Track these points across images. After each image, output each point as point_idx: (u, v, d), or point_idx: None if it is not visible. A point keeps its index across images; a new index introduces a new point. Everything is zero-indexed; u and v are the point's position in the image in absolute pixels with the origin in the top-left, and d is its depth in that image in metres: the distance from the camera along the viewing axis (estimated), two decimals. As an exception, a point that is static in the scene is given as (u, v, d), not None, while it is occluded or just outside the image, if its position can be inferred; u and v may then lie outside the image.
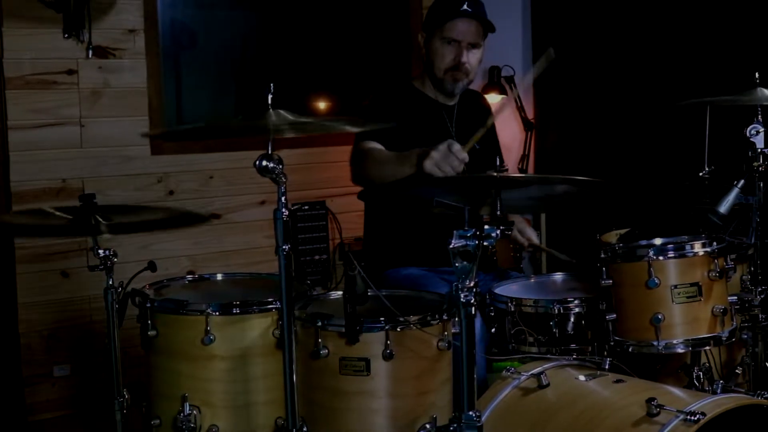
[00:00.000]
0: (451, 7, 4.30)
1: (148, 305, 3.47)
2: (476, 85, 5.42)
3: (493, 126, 4.60)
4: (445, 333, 3.19)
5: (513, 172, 5.89)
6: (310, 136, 5.62)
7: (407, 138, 4.22)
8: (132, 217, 3.68)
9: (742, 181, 3.63)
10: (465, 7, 4.27)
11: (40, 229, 3.82)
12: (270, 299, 3.41)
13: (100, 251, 3.44)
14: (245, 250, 5.80)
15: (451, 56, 4.32)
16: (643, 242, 3.49)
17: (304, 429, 3.14)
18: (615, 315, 3.53)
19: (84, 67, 5.34)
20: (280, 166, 2.90)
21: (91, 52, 5.30)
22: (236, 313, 3.39)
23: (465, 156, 3.81)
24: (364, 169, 4.20)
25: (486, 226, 2.80)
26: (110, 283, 3.47)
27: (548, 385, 3.35)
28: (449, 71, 4.35)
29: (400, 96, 4.46)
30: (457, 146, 3.81)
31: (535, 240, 4.50)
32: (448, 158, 3.79)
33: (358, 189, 4.27)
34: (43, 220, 3.64)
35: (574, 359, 3.59)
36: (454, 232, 2.80)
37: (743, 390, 3.70)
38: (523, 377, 3.44)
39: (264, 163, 2.88)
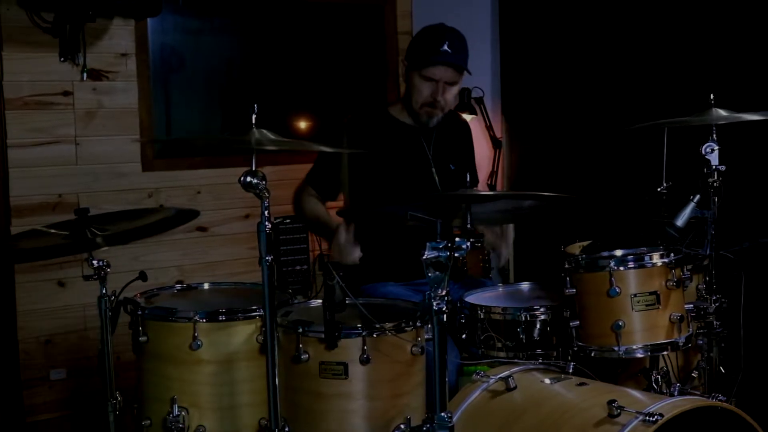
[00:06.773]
0: (432, 47, 4.13)
1: (139, 313, 3.46)
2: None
3: (471, 146, 4.57)
4: (419, 339, 3.18)
5: (482, 187, 5.90)
6: (292, 153, 5.63)
7: (385, 163, 4.23)
8: (125, 225, 3.67)
9: (697, 196, 3.64)
10: (445, 47, 4.10)
11: (39, 252, 3.81)
12: (254, 307, 3.40)
13: (94, 262, 3.44)
14: (230, 261, 5.79)
15: (427, 92, 4.17)
16: (605, 253, 3.49)
17: (286, 429, 3.13)
18: (578, 322, 3.53)
19: (79, 89, 5.32)
20: (264, 182, 2.90)
21: (85, 75, 5.29)
22: (222, 320, 3.38)
23: (355, 256, 3.91)
24: (299, 211, 4.37)
25: (457, 239, 2.80)
26: (104, 291, 3.47)
27: (515, 387, 3.36)
28: (425, 106, 4.21)
29: (375, 122, 4.35)
30: (342, 237, 3.91)
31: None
32: (342, 248, 3.91)
33: (337, 205, 4.28)
34: (40, 242, 3.63)
35: (540, 363, 3.59)
36: (427, 243, 2.80)
37: (699, 392, 3.71)
38: (491, 380, 3.45)
39: (248, 179, 2.88)
